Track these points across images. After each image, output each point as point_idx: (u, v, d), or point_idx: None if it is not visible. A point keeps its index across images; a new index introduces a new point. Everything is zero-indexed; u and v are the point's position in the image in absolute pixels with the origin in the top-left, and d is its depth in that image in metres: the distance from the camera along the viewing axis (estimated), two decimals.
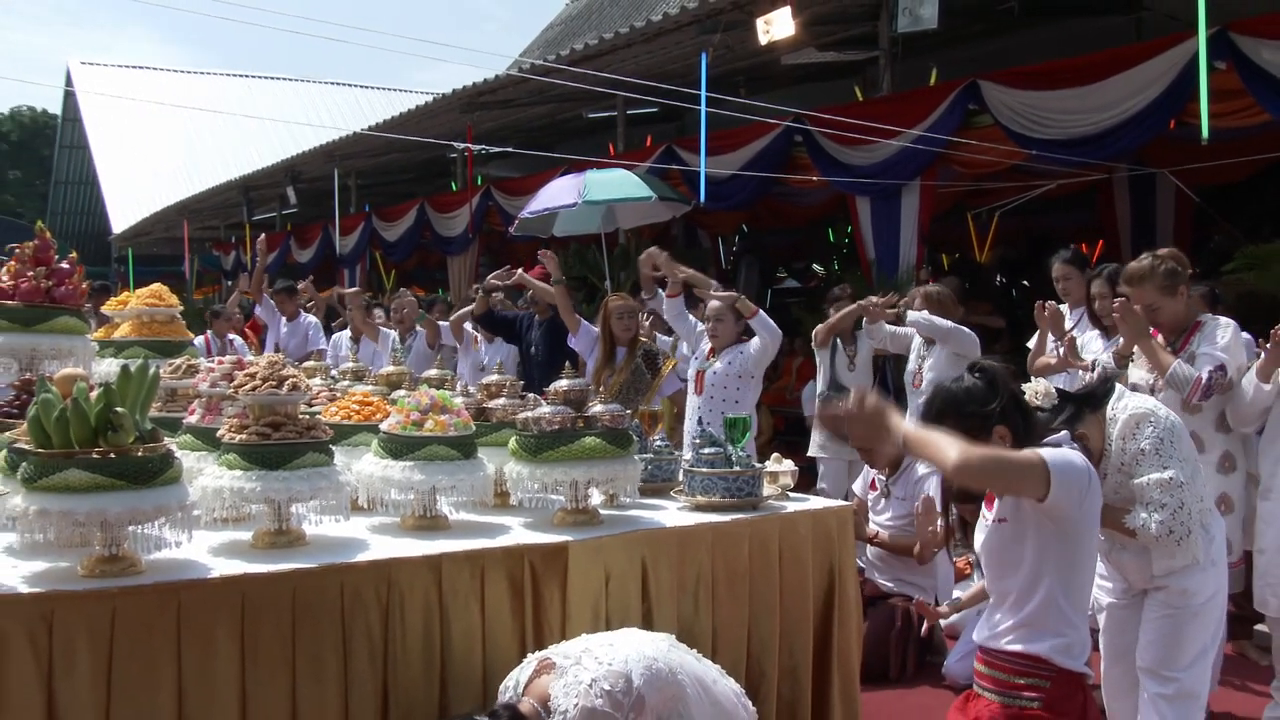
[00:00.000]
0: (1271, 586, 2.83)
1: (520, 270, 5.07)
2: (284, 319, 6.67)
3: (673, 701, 1.81)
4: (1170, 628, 2.03)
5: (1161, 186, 6.29)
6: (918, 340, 4.23)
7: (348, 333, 6.16)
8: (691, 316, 4.18)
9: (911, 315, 4.09)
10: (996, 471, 1.62)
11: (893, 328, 4.27)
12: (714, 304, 3.90)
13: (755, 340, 3.82)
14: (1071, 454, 1.68)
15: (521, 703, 1.81)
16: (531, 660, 1.89)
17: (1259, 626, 3.46)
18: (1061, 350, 3.58)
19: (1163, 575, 1.99)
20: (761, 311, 3.89)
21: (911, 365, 4.24)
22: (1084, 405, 2.09)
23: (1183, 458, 2.05)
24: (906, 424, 1.64)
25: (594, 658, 1.80)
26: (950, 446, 1.57)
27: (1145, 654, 2.04)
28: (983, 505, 1.81)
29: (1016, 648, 1.68)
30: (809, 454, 4.55)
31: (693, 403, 3.97)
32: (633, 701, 1.75)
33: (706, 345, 3.98)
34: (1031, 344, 4.02)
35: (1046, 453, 1.64)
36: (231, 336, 6.31)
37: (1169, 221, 6.50)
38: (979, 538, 1.81)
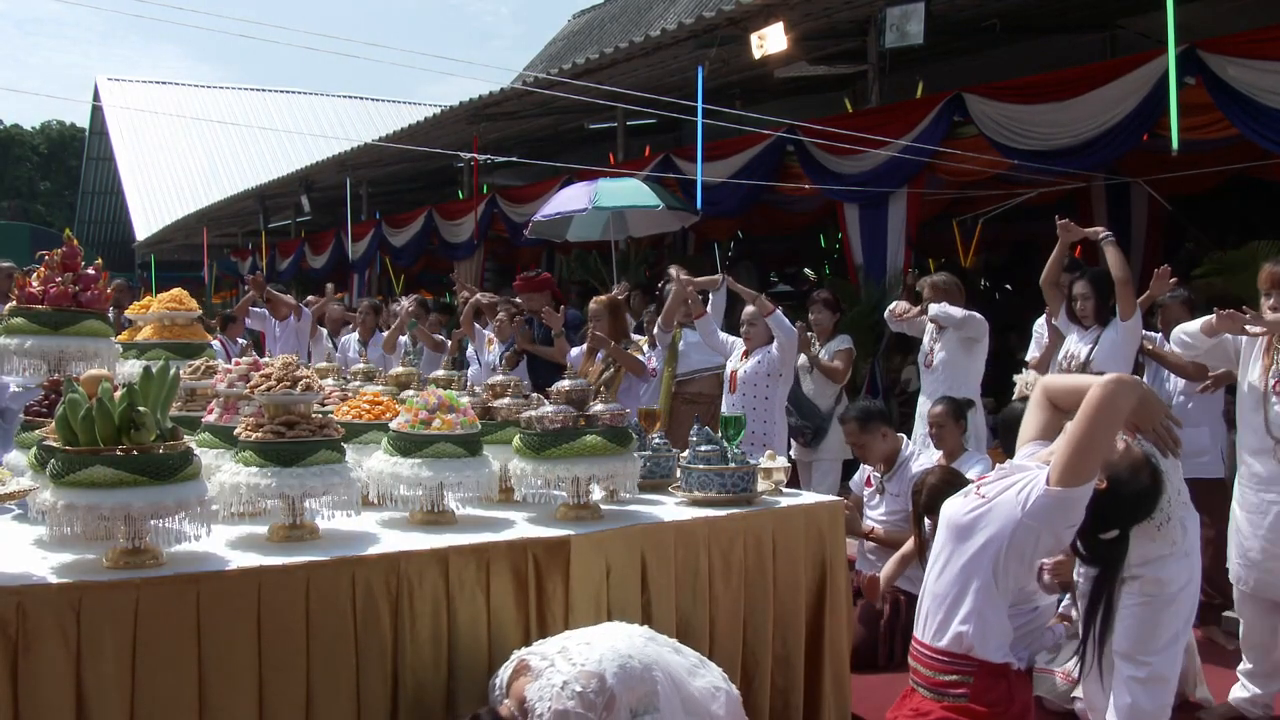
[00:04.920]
0: (1247, 568, 2.88)
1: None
2: (276, 323, 6.79)
3: (646, 697, 1.85)
4: (1146, 614, 2.08)
5: (1136, 195, 6.42)
6: (930, 325, 4.39)
7: (355, 335, 6.28)
8: (722, 334, 4.42)
9: (933, 310, 4.26)
10: (1094, 431, 1.72)
11: (909, 323, 4.48)
12: (748, 310, 4.20)
13: (775, 339, 4.08)
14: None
15: (502, 706, 1.87)
16: (512, 660, 1.93)
17: (1226, 613, 3.51)
18: (1063, 364, 3.75)
19: (1139, 564, 2.04)
20: (778, 311, 4.10)
21: (925, 347, 4.40)
22: None
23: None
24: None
25: (568, 659, 1.84)
26: (1099, 390, 1.72)
27: (1121, 639, 2.09)
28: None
29: (943, 636, 1.78)
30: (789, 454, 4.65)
31: (727, 400, 4.24)
32: (605, 700, 1.79)
33: (740, 348, 4.27)
34: (1030, 357, 4.18)
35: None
36: (244, 340, 6.45)
37: (1143, 228, 6.63)
38: (954, 502, 1.87)
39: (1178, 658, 2.15)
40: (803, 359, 4.53)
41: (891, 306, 4.60)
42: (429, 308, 6.25)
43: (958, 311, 4.19)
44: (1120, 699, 2.08)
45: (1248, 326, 2.80)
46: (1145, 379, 3.91)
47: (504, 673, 1.93)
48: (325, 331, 6.74)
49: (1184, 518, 2.12)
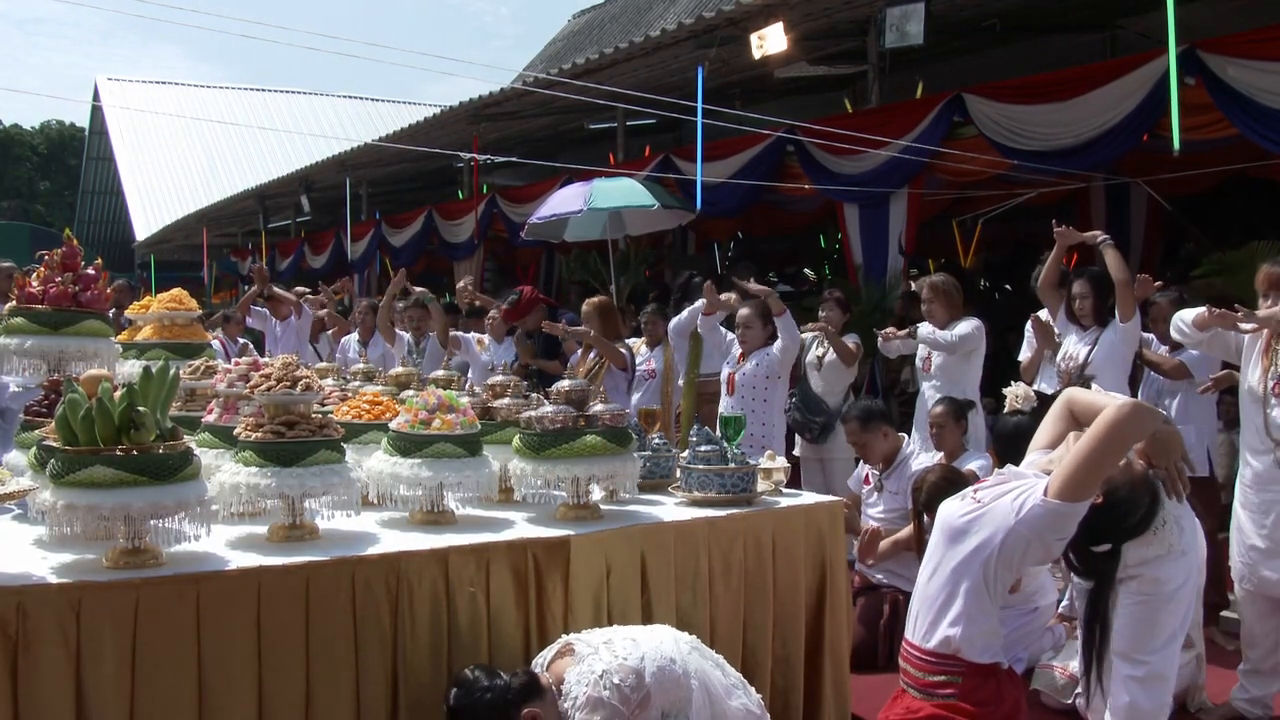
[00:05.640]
0: (1249, 566, 2.88)
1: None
2: (277, 322, 6.79)
3: (679, 702, 1.89)
4: (1144, 613, 2.08)
5: (1135, 195, 6.42)
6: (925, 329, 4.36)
7: (355, 336, 6.28)
8: (722, 329, 4.46)
9: (922, 333, 4.23)
10: (1100, 454, 1.73)
11: (902, 342, 4.45)
12: (743, 312, 4.23)
13: (779, 342, 4.08)
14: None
15: (541, 676, 1.91)
16: (558, 642, 1.98)
17: (1225, 613, 3.51)
18: (1061, 365, 3.75)
19: (1136, 564, 2.05)
20: (787, 312, 4.12)
21: (922, 352, 4.38)
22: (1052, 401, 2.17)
23: None
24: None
25: (612, 651, 1.88)
26: (1113, 412, 1.75)
27: (1119, 638, 2.09)
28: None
29: (933, 638, 1.79)
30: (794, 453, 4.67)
31: (725, 403, 4.26)
32: (640, 698, 1.83)
33: (737, 350, 4.29)
34: (1023, 357, 4.18)
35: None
36: (243, 340, 6.45)
37: (1142, 229, 6.62)
38: (950, 504, 1.88)
39: (1175, 656, 2.15)
40: (811, 356, 4.55)
41: (881, 333, 4.55)
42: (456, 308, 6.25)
43: (945, 336, 4.13)
44: (1118, 698, 2.09)
45: (1240, 324, 2.81)
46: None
47: (549, 652, 1.98)
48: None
49: (1179, 517, 2.13)
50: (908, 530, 3.26)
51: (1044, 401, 2.21)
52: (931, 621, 1.81)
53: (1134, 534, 1.95)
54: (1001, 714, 1.77)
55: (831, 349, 4.49)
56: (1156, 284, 3.83)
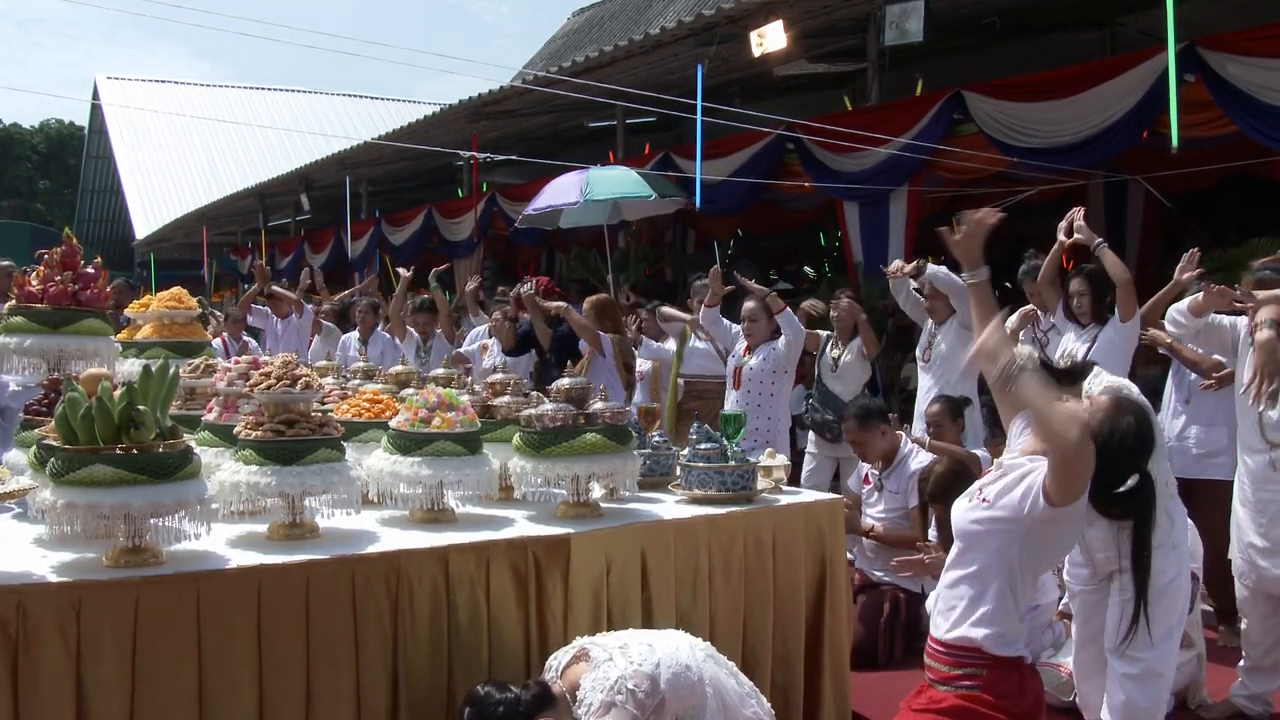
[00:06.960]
0: (1248, 563, 2.87)
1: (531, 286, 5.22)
2: (278, 320, 6.78)
3: (693, 710, 1.89)
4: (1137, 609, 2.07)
5: (1134, 193, 6.42)
6: (930, 321, 4.32)
7: (355, 334, 6.29)
8: (725, 320, 4.48)
9: (932, 268, 4.13)
10: (1064, 462, 1.63)
11: (915, 301, 4.34)
12: (749, 305, 4.25)
13: (784, 337, 4.13)
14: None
15: (554, 684, 1.91)
16: (573, 646, 1.98)
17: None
18: (1061, 363, 3.74)
19: (1128, 558, 2.04)
20: (787, 309, 4.15)
21: (924, 340, 4.35)
22: (1063, 377, 2.16)
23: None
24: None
25: (627, 657, 1.88)
26: (1049, 436, 1.62)
27: (1112, 635, 2.09)
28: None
29: (955, 634, 1.79)
30: (802, 448, 4.68)
31: (731, 397, 4.30)
32: (655, 704, 1.83)
33: (743, 344, 4.33)
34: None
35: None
36: (246, 339, 6.45)
37: (1140, 226, 6.62)
38: (960, 505, 1.87)
39: (1172, 653, 2.14)
40: (826, 358, 4.55)
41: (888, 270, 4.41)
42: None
43: (960, 280, 4.10)
44: (1114, 697, 2.08)
45: (1237, 303, 2.80)
46: (1170, 373, 3.84)
47: (563, 655, 1.97)
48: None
49: (1170, 509, 2.12)
50: (911, 531, 3.26)
51: (1046, 366, 2.19)
52: (956, 620, 1.80)
53: (1145, 452, 1.90)
54: (1024, 708, 1.76)
55: (847, 350, 4.49)
56: (1198, 269, 3.71)
